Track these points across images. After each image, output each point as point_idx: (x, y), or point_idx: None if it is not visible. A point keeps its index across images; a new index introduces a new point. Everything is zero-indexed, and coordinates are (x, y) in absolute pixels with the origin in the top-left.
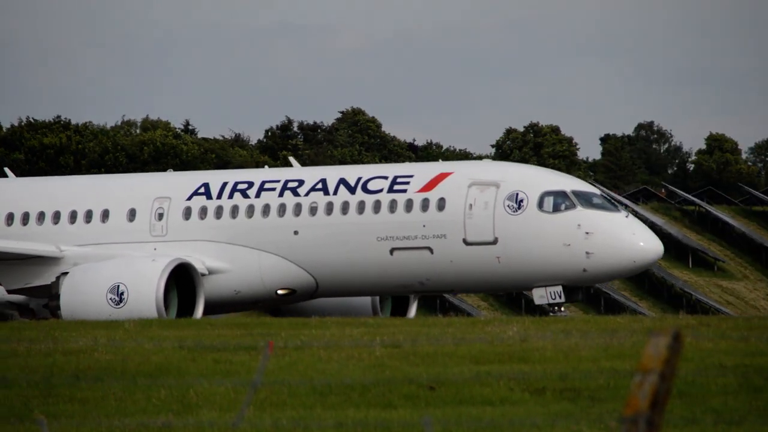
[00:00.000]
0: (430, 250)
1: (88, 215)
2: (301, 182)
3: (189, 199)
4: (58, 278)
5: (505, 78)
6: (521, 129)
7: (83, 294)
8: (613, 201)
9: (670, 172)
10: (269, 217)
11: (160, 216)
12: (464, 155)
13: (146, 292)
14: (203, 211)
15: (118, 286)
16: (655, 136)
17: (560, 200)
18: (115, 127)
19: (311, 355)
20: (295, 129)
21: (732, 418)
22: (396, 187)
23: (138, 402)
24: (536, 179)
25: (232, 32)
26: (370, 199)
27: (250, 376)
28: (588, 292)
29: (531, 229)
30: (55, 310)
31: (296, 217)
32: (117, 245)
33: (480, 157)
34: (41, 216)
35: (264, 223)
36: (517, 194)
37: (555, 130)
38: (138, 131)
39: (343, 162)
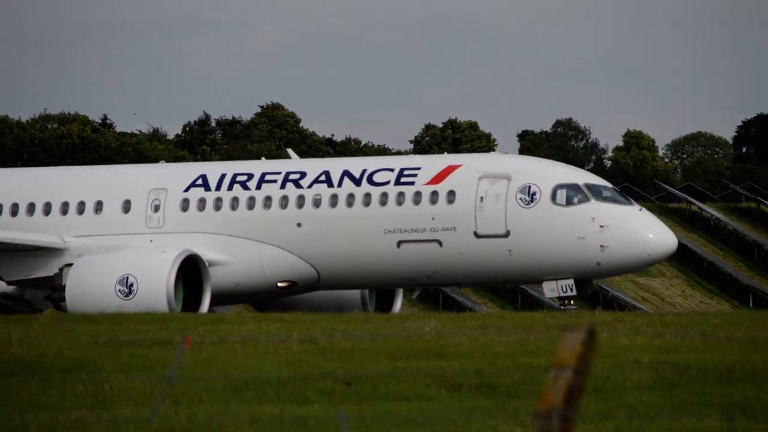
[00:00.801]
0: (440, 242)
1: (81, 206)
2: (303, 174)
3: (186, 190)
4: (61, 270)
5: (424, 74)
6: (440, 125)
7: (90, 285)
8: (624, 194)
9: (587, 168)
10: (271, 209)
11: (157, 207)
12: (383, 151)
13: (157, 283)
14: (202, 203)
15: (128, 277)
16: (573, 132)
17: (573, 193)
18: (32, 121)
19: (227, 350)
20: (213, 124)
21: (646, 414)
22: (403, 180)
23: (52, 397)
24: (548, 172)
25: (150, 27)
26: (376, 192)
27: (165, 371)
28: (506, 289)
29: (544, 222)
30: (59, 301)
31: (299, 209)
32: (111, 237)
33: (399, 153)
34: (31, 207)
35: (266, 215)
36: (530, 187)
37: (473, 126)
38: (55, 125)
39: (259, 157)
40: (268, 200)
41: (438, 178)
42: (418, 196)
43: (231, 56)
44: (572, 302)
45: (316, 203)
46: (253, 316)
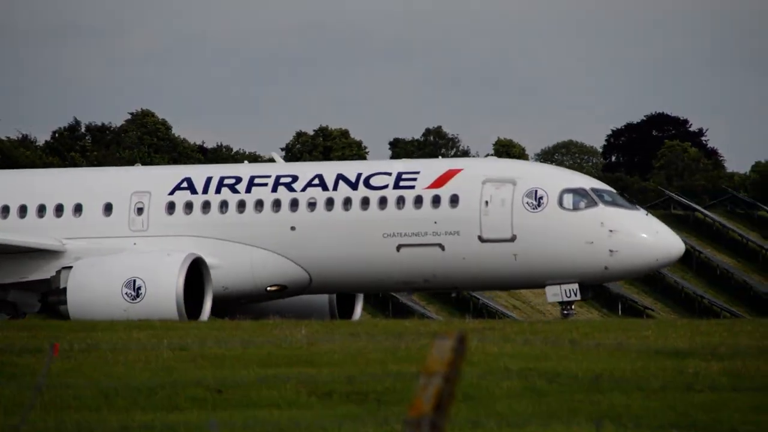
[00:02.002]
0: (442, 246)
1: (59, 209)
2: (294, 178)
3: (171, 193)
4: (58, 272)
5: (295, 81)
6: (311, 132)
7: (95, 288)
8: (629, 199)
9: None
10: (263, 212)
11: (140, 210)
12: (254, 158)
13: (165, 286)
14: (188, 206)
15: (135, 280)
16: (443, 140)
17: (580, 198)
18: None
19: (98, 358)
20: (83, 130)
21: (516, 422)
22: (402, 183)
23: None
24: (554, 176)
25: (18, 31)
26: (374, 195)
27: (34, 378)
28: (377, 297)
29: (552, 226)
30: (57, 304)
31: (293, 212)
32: (92, 240)
33: (271, 160)
34: (6, 209)
35: (257, 218)
36: (536, 191)
37: (344, 133)
38: None
39: (131, 163)
40: (259, 203)
41: (439, 182)
42: (419, 200)
43: (101, 62)
44: (572, 307)
45: (311, 206)
46: (123, 324)
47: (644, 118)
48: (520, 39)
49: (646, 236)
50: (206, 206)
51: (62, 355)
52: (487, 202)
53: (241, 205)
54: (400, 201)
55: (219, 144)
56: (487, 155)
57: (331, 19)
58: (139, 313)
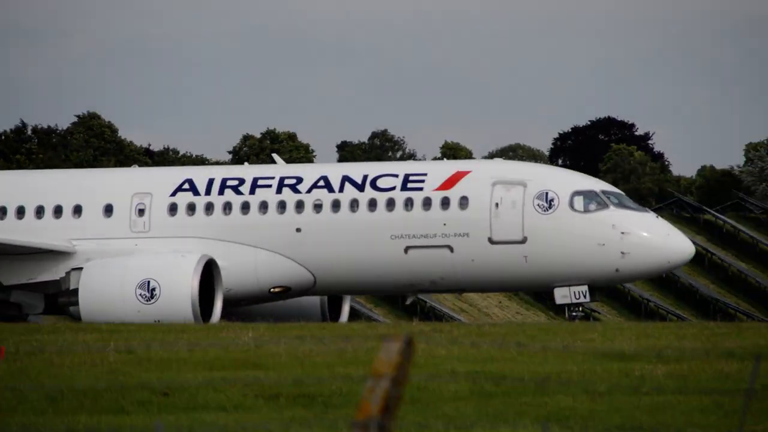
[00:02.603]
0: (450, 248)
1: (57, 210)
2: (299, 179)
3: (173, 195)
4: (68, 273)
5: (243, 84)
6: (258, 135)
7: (108, 290)
8: (636, 202)
9: None
10: (267, 213)
11: (141, 212)
12: (201, 161)
13: (181, 288)
14: (191, 208)
15: (149, 281)
16: (390, 143)
17: (591, 200)
18: None
19: (43, 361)
20: (30, 133)
21: (463, 424)
22: (410, 185)
23: None
24: (565, 179)
25: None
26: (382, 197)
27: None
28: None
29: (564, 228)
30: (67, 306)
31: (299, 214)
32: (101, 241)
33: (218, 163)
34: (3, 210)
35: (262, 220)
36: (547, 193)
37: (292, 136)
38: None
39: (78, 166)
40: (263, 205)
41: (448, 184)
42: (428, 202)
43: (48, 64)
44: (581, 309)
45: (317, 208)
46: (69, 326)
47: (591, 122)
48: (468, 42)
49: (657, 238)
50: (209, 208)
51: (8, 357)
52: (497, 204)
53: (246, 207)
54: (409, 203)
55: (166, 147)
56: (435, 158)
57: (277, 22)
58: (153, 315)
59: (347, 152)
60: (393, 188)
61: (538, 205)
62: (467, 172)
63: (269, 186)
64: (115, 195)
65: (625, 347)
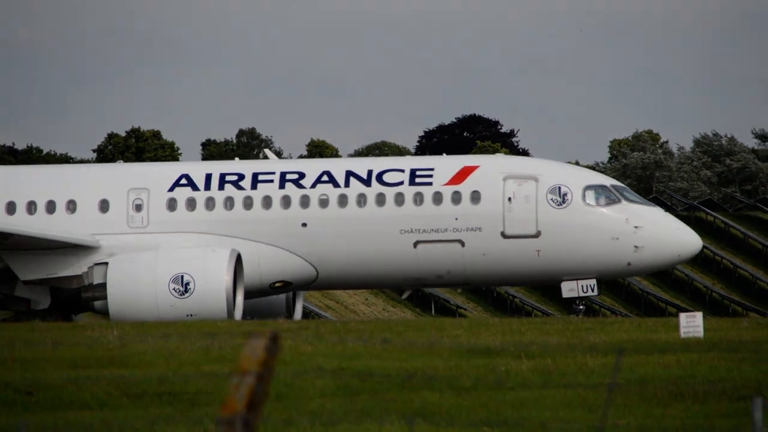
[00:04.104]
0: (462, 242)
1: (50, 206)
2: (301, 174)
3: (171, 190)
4: (90, 268)
5: (107, 82)
6: (123, 134)
7: (139, 284)
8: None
9: None
10: (271, 209)
11: (138, 207)
12: (65, 159)
13: (215, 282)
14: (191, 203)
15: (183, 276)
16: (256, 141)
17: (602, 194)
18: None
19: None
20: None
21: (329, 420)
22: (418, 180)
23: None
24: (575, 173)
25: None
26: (390, 192)
27: None
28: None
29: (578, 222)
30: (92, 300)
31: (304, 209)
32: (117, 236)
33: (83, 161)
34: None
35: (266, 215)
36: (560, 188)
37: (156, 134)
38: None
39: None
40: (267, 200)
41: (458, 179)
42: (438, 196)
43: None
44: (583, 303)
45: (323, 203)
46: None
47: (456, 120)
48: (334, 40)
49: (668, 232)
50: (210, 202)
51: None
52: (510, 199)
53: (248, 202)
54: (419, 197)
55: (29, 145)
56: (300, 156)
57: (142, 21)
58: (187, 309)
59: (212, 150)
60: (401, 183)
61: (552, 199)
62: (476, 167)
63: (271, 181)
64: (110, 190)
65: (491, 343)
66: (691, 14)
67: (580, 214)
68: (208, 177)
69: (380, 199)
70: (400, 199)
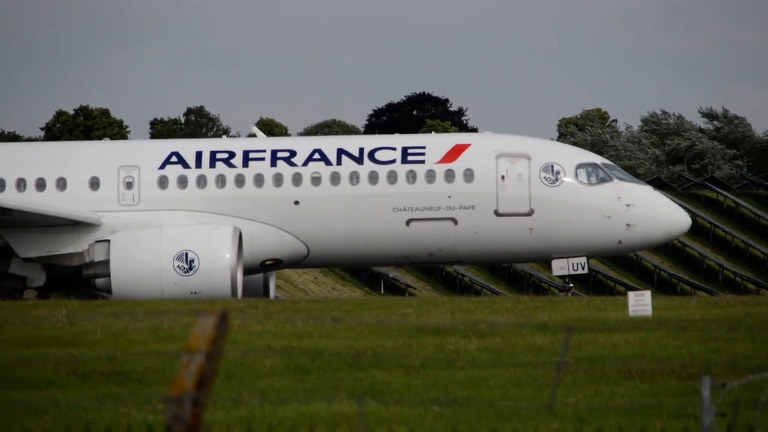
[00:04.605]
0: (455, 221)
1: (40, 183)
2: (293, 152)
3: (162, 167)
4: (91, 245)
5: (55, 60)
6: (71, 112)
7: (143, 262)
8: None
9: None
10: (263, 186)
11: (129, 185)
12: (14, 137)
13: (219, 260)
14: (182, 181)
15: (187, 253)
16: (204, 120)
17: (593, 172)
18: None
19: None
20: None
21: (279, 399)
22: (410, 158)
23: None
24: (566, 151)
25: None
26: (383, 170)
27: None
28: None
29: (571, 200)
30: (93, 278)
31: (296, 186)
32: (117, 213)
33: (30, 139)
34: None
35: (258, 192)
36: (552, 166)
37: (105, 113)
38: None
39: None
40: (259, 178)
41: (450, 157)
42: (431, 174)
43: None
44: (570, 282)
45: (315, 181)
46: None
47: (405, 98)
48: (283, 19)
49: (660, 210)
50: (202, 180)
51: None
52: (503, 177)
53: (240, 179)
54: (411, 175)
55: None
56: (249, 135)
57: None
58: (191, 286)
59: (161, 128)
60: (393, 161)
61: (545, 177)
62: (467, 145)
63: (262, 159)
64: (100, 167)
65: (440, 321)
66: None
67: (573, 193)
68: (199, 154)
69: (373, 177)
70: (392, 177)
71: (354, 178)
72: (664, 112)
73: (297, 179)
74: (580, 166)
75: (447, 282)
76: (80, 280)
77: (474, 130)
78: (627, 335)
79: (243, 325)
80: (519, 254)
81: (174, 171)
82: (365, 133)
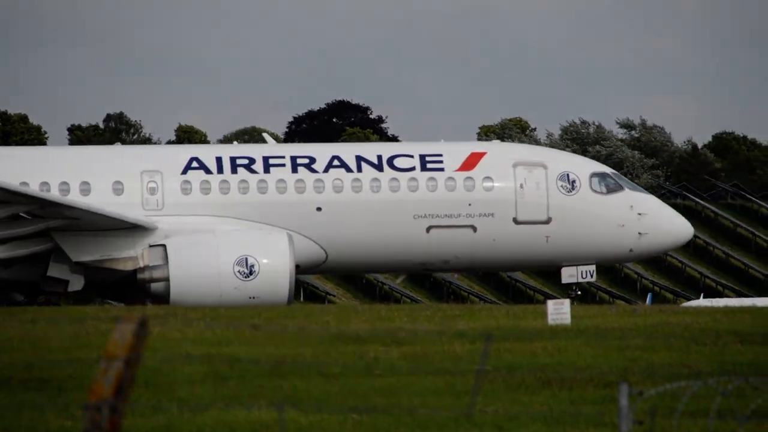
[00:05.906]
0: (474, 228)
1: (64, 187)
2: (312, 159)
3: (184, 173)
4: (145, 250)
5: None
6: None
7: (203, 266)
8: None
9: None
10: (286, 192)
11: (153, 190)
12: None
13: (279, 265)
14: (206, 186)
15: (247, 258)
16: (125, 126)
17: (606, 181)
18: None
19: None
20: None
21: (198, 406)
22: (430, 166)
23: None
24: (579, 161)
25: None
26: (403, 177)
27: None
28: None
29: (587, 209)
30: (148, 282)
31: (318, 193)
32: (172, 217)
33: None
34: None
35: (280, 198)
36: (568, 175)
37: (23, 118)
38: None
39: None
40: (281, 184)
41: (468, 165)
42: (451, 182)
43: None
44: (577, 289)
45: (337, 188)
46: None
47: (326, 105)
48: (204, 24)
49: (668, 220)
50: (224, 186)
51: None
52: (521, 185)
53: (263, 186)
54: (432, 183)
55: None
56: (170, 141)
57: (8, 1)
58: (250, 291)
59: (80, 134)
60: (413, 168)
61: (562, 186)
62: (483, 153)
63: (283, 165)
64: (123, 172)
65: (360, 329)
66: (556, 2)
67: (589, 201)
68: (219, 160)
69: (394, 185)
70: (413, 184)
71: (375, 185)
72: (583, 122)
73: (319, 186)
74: (593, 175)
75: (366, 290)
76: (131, 285)
77: (395, 138)
78: (546, 343)
79: (162, 332)
80: (532, 262)
81: (197, 176)
82: (286, 141)
